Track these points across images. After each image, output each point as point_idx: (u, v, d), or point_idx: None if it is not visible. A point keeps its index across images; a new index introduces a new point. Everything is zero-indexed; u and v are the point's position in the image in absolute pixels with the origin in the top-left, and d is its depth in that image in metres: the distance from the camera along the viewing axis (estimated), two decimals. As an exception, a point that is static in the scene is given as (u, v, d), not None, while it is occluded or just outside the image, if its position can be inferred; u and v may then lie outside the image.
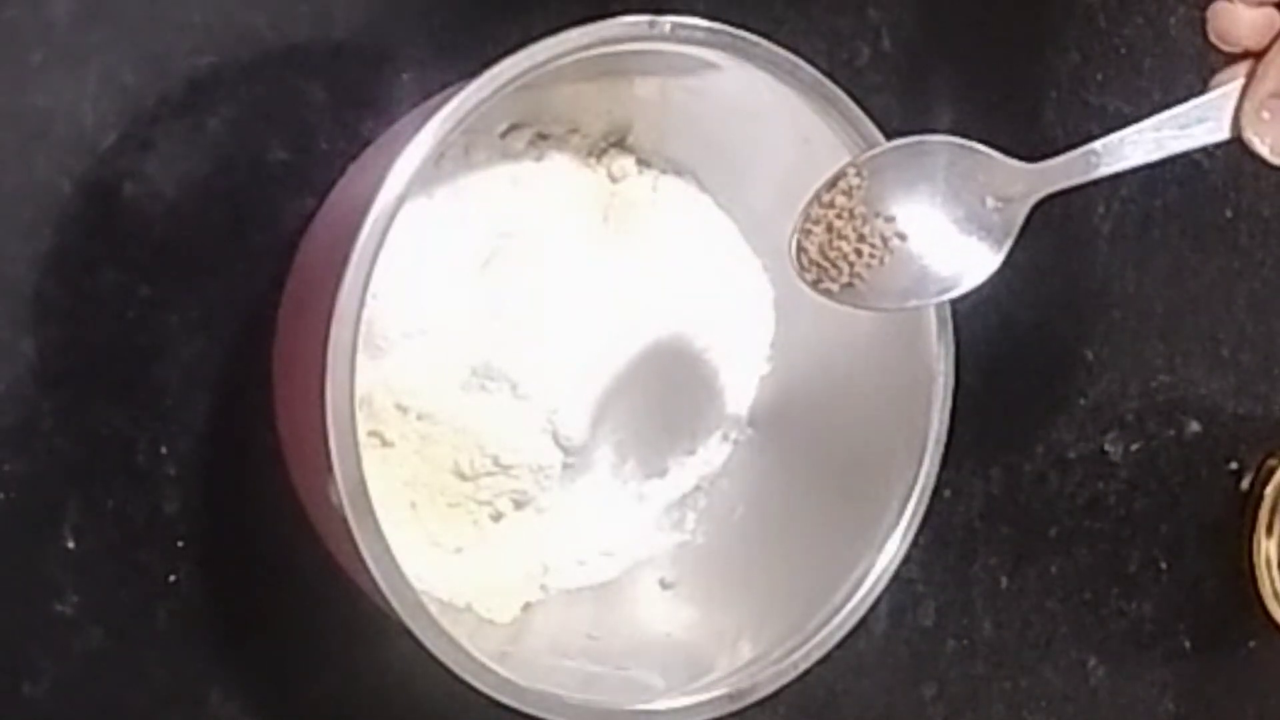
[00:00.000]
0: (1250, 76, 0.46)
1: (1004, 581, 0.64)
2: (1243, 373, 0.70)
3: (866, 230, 0.45)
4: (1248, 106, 0.45)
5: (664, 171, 0.55)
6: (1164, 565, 0.68)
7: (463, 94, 0.43)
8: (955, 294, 0.47)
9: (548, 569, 0.53)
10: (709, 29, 0.47)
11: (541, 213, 0.52)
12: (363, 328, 0.42)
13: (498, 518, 0.52)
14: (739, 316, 0.55)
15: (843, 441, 0.54)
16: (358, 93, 0.51)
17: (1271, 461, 0.70)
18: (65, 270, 0.47)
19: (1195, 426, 0.69)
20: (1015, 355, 0.64)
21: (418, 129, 0.43)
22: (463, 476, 0.51)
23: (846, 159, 0.50)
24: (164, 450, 0.49)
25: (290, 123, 0.50)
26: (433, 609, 0.43)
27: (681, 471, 0.55)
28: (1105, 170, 0.46)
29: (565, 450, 0.52)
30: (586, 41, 0.45)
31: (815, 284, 0.46)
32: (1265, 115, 0.45)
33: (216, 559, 0.49)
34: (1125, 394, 0.67)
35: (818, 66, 0.49)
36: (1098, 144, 0.45)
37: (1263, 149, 0.45)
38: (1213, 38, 0.46)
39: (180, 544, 0.49)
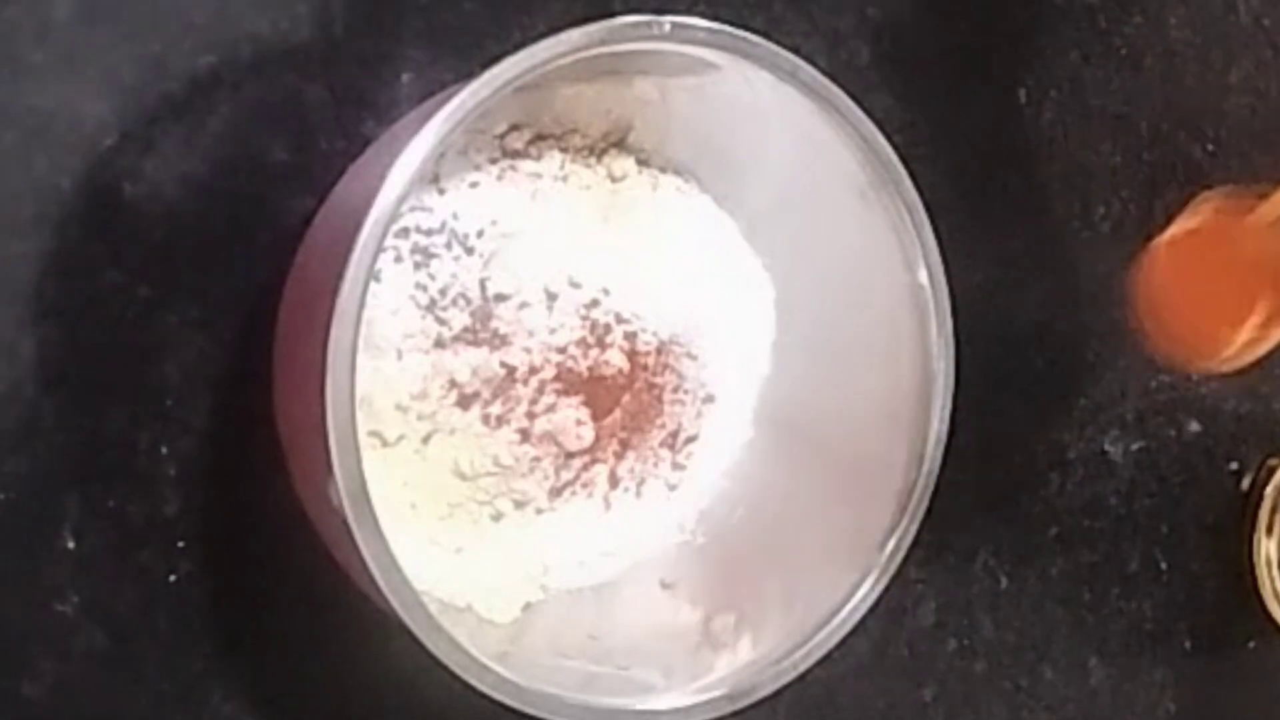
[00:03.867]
0: None
1: (1004, 581, 0.64)
2: (1243, 373, 0.70)
3: None
4: None
5: (664, 171, 0.55)
6: (1164, 565, 0.68)
7: (463, 94, 0.43)
8: None
9: (548, 569, 0.53)
10: (709, 29, 0.47)
11: (541, 213, 0.52)
12: (363, 328, 0.42)
13: (498, 518, 0.52)
14: (739, 316, 0.55)
15: (843, 441, 0.54)
16: (358, 93, 0.51)
17: (1272, 461, 0.70)
18: (65, 270, 0.47)
19: (1195, 426, 0.69)
20: (1015, 355, 0.64)
21: (418, 129, 0.43)
22: (463, 476, 0.51)
23: (846, 158, 0.50)
24: (164, 450, 0.49)
25: (290, 123, 0.50)
26: (433, 609, 0.43)
27: (681, 472, 0.55)
28: None
29: (565, 450, 0.52)
30: (586, 41, 0.45)
31: None
32: None
33: (216, 559, 0.49)
34: (1125, 394, 0.67)
35: (818, 66, 0.49)
36: None
37: None
38: None
39: (180, 544, 0.49)
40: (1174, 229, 0.49)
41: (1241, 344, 0.50)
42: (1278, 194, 0.48)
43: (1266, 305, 0.50)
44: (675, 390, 0.54)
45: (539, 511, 0.53)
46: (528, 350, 0.51)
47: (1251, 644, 0.71)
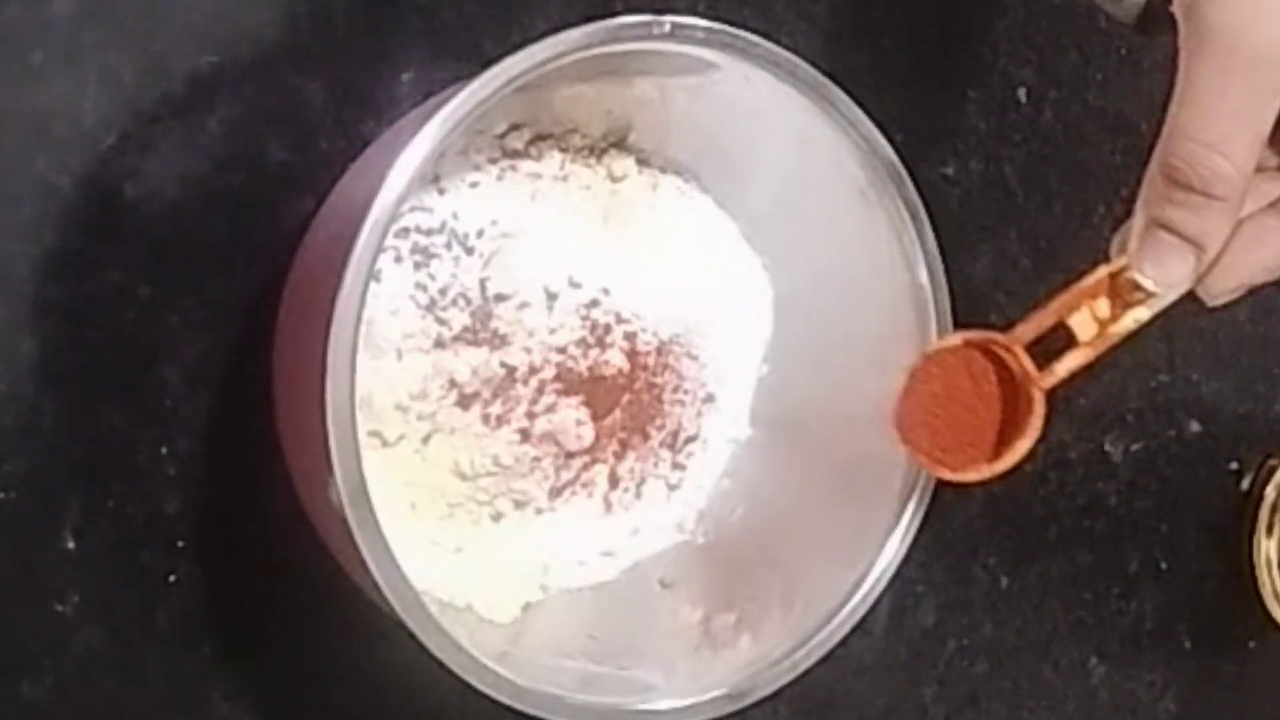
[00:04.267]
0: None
1: (1004, 581, 0.64)
2: (1243, 373, 0.70)
3: None
4: (1132, 244, 0.48)
5: (664, 171, 0.55)
6: (1164, 565, 0.68)
7: (463, 94, 0.43)
8: None
9: (548, 569, 0.53)
10: (709, 29, 0.47)
11: (541, 213, 0.52)
12: (363, 328, 0.42)
13: (498, 518, 0.52)
14: (739, 316, 0.55)
15: (843, 441, 0.54)
16: (358, 93, 0.51)
17: (1271, 461, 0.70)
18: (65, 270, 0.47)
19: (1195, 426, 0.69)
20: (1015, 355, 0.64)
21: (418, 129, 0.43)
22: (463, 476, 0.51)
23: (846, 158, 0.50)
24: (164, 450, 0.49)
25: (290, 123, 0.50)
26: (433, 609, 0.43)
27: (681, 472, 0.55)
28: None
29: (565, 450, 0.52)
30: (586, 41, 0.45)
31: None
32: (1143, 249, 0.47)
33: (216, 559, 0.49)
34: (1125, 394, 0.67)
35: (818, 66, 0.49)
36: None
37: (1146, 281, 0.48)
38: None
39: (180, 544, 0.49)
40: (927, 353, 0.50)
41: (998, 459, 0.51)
42: (1033, 316, 0.50)
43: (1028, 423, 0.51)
44: (675, 390, 0.54)
45: (539, 511, 0.53)
46: (528, 350, 0.51)
47: (1251, 644, 0.71)
